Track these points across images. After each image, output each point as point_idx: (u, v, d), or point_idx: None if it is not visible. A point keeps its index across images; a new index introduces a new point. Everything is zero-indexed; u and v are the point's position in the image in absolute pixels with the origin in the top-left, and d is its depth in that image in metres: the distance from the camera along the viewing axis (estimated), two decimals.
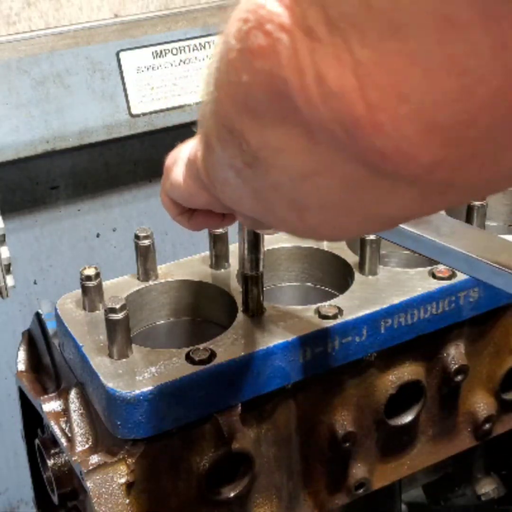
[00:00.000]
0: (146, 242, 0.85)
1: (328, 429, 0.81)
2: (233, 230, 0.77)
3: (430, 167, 0.31)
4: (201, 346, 0.73)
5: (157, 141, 1.42)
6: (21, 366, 0.90)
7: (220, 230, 0.86)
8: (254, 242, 0.74)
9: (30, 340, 0.91)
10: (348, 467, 0.84)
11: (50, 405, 0.80)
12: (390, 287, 0.82)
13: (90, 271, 0.80)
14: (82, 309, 0.81)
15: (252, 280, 0.77)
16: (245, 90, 0.34)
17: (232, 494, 0.76)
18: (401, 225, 0.61)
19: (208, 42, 1.41)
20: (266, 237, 0.77)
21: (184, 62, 1.39)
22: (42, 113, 1.28)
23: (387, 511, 0.98)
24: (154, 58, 1.37)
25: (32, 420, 0.90)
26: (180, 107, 1.38)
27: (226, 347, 0.74)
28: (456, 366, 0.86)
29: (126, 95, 1.35)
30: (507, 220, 1.03)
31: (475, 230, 0.74)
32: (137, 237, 0.85)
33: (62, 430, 0.78)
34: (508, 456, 1.03)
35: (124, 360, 0.72)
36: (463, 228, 0.64)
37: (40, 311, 0.87)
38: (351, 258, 0.87)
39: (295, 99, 0.31)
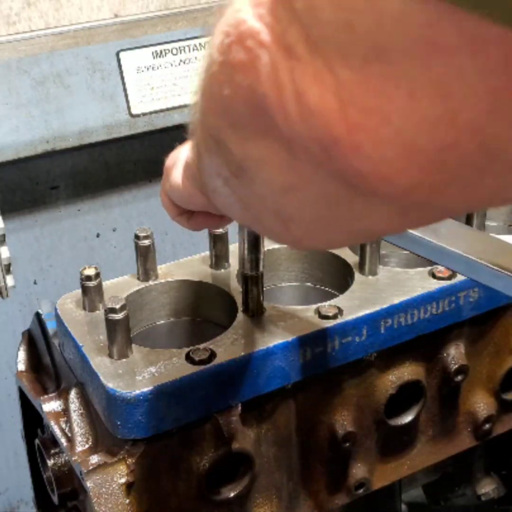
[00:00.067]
0: (146, 242, 0.85)
1: (328, 429, 0.81)
2: (233, 230, 0.77)
3: (408, 190, 0.30)
4: (201, 346, 0.73)
5: (157, 141, 1.42)
6: (21, 366, 0.90)
7: (220, 230, 0.86)
8: (254, 242, 0.74)
9: (30, 340, 0.91)
10: (348, 467, 0.84)
11: (50, 405, 0.80)
12: (390, 287, 0.82)
13: (90, 271, 0.80)
14: (82, 309, 0.81)
15: (252, 280, 0.77)
16: (227, 103, 0.34)
17: (232, 494, 0.76)
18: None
19: (208, 42, 1.41)
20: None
21: (184, 62, 1.39)
22: (42, 113, 1.28)
23: (387, 511, 0.98)
24: (154, 58, 1.37)
25: (32, 420, 0.90)
26: (180, 107, 1.38)
27: (226, 347, 0.73)
28: (456, 366, 0.86)
29: (126, 95, 1.35)
30: (507, 220, 1.03)
31: (474, 231, 0.74)
32: (137, 237, 0.85)
33: (62, 430, 0.78)
34: (508, 456, 1.03)
35: (124, 360, 0.72)
36: (462, 230, 0.63)
37: (40, 311, 0.87)
38: (351, 258, 0.87)
39: (274, 115, 0.31)
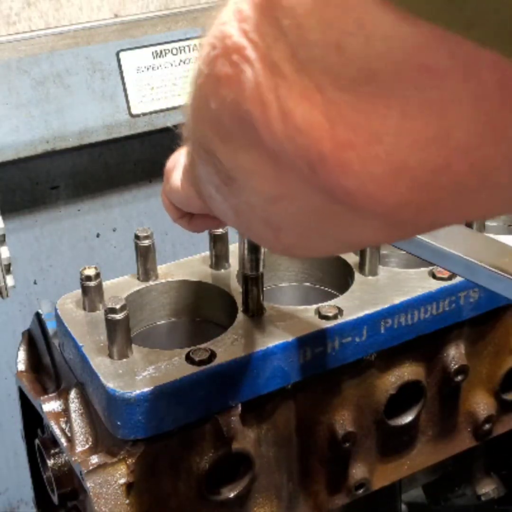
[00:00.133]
0: (146, 242, 0.85)
1: (328, 429, 0.81)
2: (233, 230, 0.77)
3: (396, 208, 0.30)
4: (201, 347, 0.73)
5: (157, 141, 1.42)
6: (21, 366, 0.90)
7: (220, 230, 0.86)
8: (254, 243, 0.74)
9: (30, 340, 0.91)
10: (348, 467, 0.84)
11: (50, 405, 0.80)
12: (390, 287, 0.82)
13: (90, 271, 0.80)
14: (82, 309, 0.81)
15: (252, 280, 0.77)
16: (214, 115, 0.34)
17: (232, 495, 0.76)
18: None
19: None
20: None
21: (184, 62, 1.39)
22: (42, 113, 1.28)
23: (387, 511, 0.98)
24: (154, 58, 1.37)
25: (32, 420, 0.90)
26: (180, 107, 1.38)
27: (226, 347, 0.73)
28: (456, 366, 0.86)
29: (126, 95, 1.35)
30: (507, 220, 1.03)
31: (474, 233, 0.74)
32: (137, 237, 0.85)
33: (62, 430, 0.78)
34: (508, 456, 1.03)
35: (124, 360, 0.72)
36: (462, 232, 0.63)
37: (40, 311, 0.87)
38: (351, 258, 0.87)
39: (259, 131, 0.31)
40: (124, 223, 1.47)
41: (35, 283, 1.42)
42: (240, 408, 0.73)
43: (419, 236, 0.62)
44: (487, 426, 0.92)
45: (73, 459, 0.75)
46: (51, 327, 0.85)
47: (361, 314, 0.78)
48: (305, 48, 0.28)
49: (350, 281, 0.84)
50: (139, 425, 0.69)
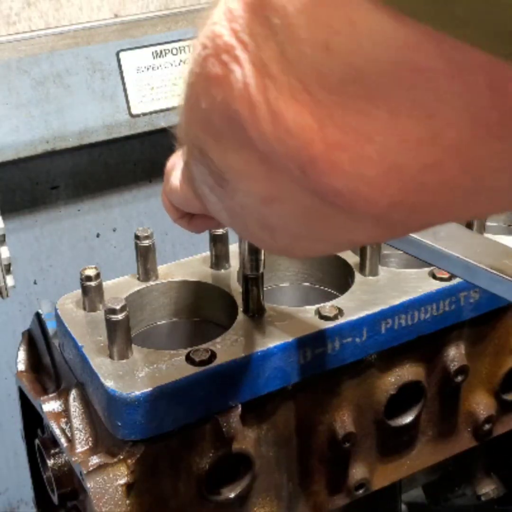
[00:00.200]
0: (146, 242, 0.85)
1: (328, 429, 0.81)
2: (233, 230, 0.77)
3: (387, 209, 0.30)
4: (201, 347, 0.73)
5: (157, 141, 1.42)
6: (21, 366, 0.90)
7: (220, 230, 0.86)
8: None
9: (30, 340, 0.91)
10: (348, 468, 0.84)
11: (50, 405, 0.80)
12: (390, 287, 0.82)
13: (90, 271, 0.80)
14: (82, 309, 0.81)
15: (252, 280, 0.77)
16: (205, 115, 0.34)
17: (232, 495, 0.76)
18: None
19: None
20: None
21: (184, 62, 1.39)
22: (42, 113, 1.28)
23: (387, 511, 0.98)
24: (154, 58, 1.37)
25: (32, 420, 0.90)
26: (177, 107, 1.38)
27: (227, 348, 0.73)
28: (456, 366, 0.86)
29: (126, 95, 1.35)
30: (507, 220, 1.03)
31: (473, 234, 0.74)
32: (137, 237, 0.85)
33: (62, 430, 0.78)
34: (508, 456, 1.03)
35: (124, 360, 0.72)
36: (462, 233, 0.63)
37: (40, 311, 0.87)
38: (351, 258, 0.87)
39: (249, 131, 0.31)
40: (124, 223, 1.47)
41: (35, 283, 1.42)
42: (240, 409, 0.73)
43: (418, 237, 0.62)
44: (487, 426, 0.92)
45: (73, 459, 0.75)
46: (51, 327, 0.85)
47: (361, 314, 0.78)
48: (294, 47, 0.28)
49: (350, 281, 0.84)
50: (139, 426, 0.69)
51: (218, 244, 0.86)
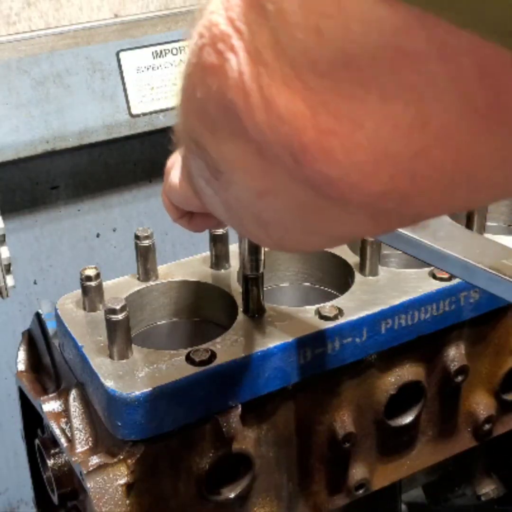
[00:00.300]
0: (146, 242, 0.85)
1: (328, 429, 0.81)
2: (233, 230, 0.77)
3: (378, 197, 0.30)
4: (201, 347, 0.73)
5: (157, 141, 1.42)
6: (21, 366, 0.90)
7: (220, 230, 0.86)
8: (254, 243, 0.74)
9: (30, 340, 0.91)
10: (348, 468, 0.84)
11: (50, 405, 0.80)
12: (390, 287, 0.82)
13: (90, 271, 0.80)
14: (82, 309, 0.81)
15: (252, 280, 0.77)
16: (201, 105, 0.34)
17: (232, 495, 0.76)
18: (398, 229, 0.60)
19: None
20: None
21: (184, 62, 1.39)
22: (42, 113, 1.28)
23: (387, 511, 0.98)
24: (154, 58, 1.37)
25: (32, 420, 0.90)
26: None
27: (227, 348, 0.73)
28: (456, 366, 0.86)
29: (126, 95, 1.35)
30: (507, 220, 1.03)
31: (473, 235, 0.74)
32: (137, 237, 0.85)
33: (62, 430, 0.78)
34: (508, 456, 1.03)
35: (124, 360, 0.72)
36: (461, 233, 0.63)
37: (40, 311, 0.87)
38: (352, 258, 0.87)
39: (243, 120, 0.31)
40: (124, 223, 1.47)
41: (35, 283, 1.42)
42: (240, 409, 0.73)
43: (418, 237, 0.62)
44: (487, 426, 0.92)
45: (73, 459, 0.75)
46: (51, 327, 0.85)
47: (361, 314, 0.78)
48: (286, 32, 0.28)
49: (350, 281, 0.84)
50: (139, 426, 0.69)
51: (218, 244, 0.86)
